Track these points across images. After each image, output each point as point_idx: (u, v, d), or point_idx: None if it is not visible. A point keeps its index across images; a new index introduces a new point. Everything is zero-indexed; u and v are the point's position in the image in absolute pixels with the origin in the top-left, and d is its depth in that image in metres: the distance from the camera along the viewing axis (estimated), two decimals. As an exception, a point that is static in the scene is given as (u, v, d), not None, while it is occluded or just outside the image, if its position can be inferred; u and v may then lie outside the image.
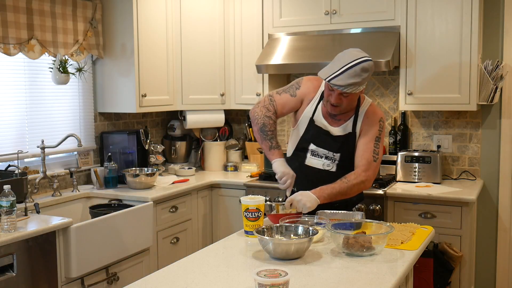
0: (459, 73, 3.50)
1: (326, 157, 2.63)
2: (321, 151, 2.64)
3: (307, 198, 2.41)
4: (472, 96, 3.49)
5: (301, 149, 2.69)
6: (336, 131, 2.62)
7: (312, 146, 2.65)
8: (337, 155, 2.62)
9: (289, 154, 2.77)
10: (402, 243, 2.24)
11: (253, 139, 4.40)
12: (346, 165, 2.62)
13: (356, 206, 3.34)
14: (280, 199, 2.66)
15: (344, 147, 2.61)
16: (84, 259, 2.82)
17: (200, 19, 4.12)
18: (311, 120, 2.65)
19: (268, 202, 2.52)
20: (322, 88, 2.67)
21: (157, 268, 3.27)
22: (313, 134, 2.65)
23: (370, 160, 2.56)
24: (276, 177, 2.58)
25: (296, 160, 2.70)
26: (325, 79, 2.45)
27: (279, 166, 2.56)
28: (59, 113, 3.59)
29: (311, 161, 2.66)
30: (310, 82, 2.71)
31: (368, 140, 2.58)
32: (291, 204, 2.43)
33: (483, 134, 3.82)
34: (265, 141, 2.62)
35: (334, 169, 2.63)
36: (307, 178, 2.64)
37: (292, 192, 2.59)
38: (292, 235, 2.18)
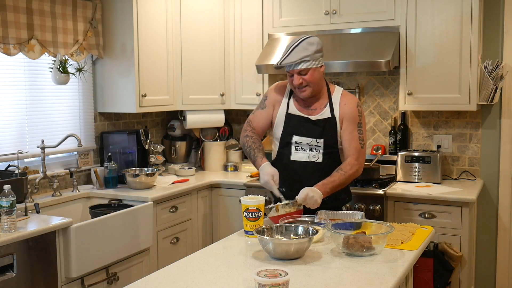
0: (459, 73, 3.50)
1: (310, 148, 2.67)
2: (305, 140, 2.67)
3: (317, 195, 2.47)
4: (472, 96, 3.49)
5: (284, 145, 2.72)
6: (314, 117, 2.68)
7: (295, 138, 2.69)
8: (321, 141, 2.65)
9: (273, 156, 2.80)
10: (402, 243, 2.24)
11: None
12: (331, 152, 2.66)
13: (356, 206, 3.36)
14: (281, 198, 2.65)
15: (327, 132, 2.65)
16: (84, 259, 2.82)
17: (200, 19, 4.12)
18: (287, 114, 2.72)
19: (268, 207, 2.52)
20: (288, 87, 2.77)
21: (157, 268, 3.27)
22: (294, 124, 2.70)
23: (358, 148, 2.65)
24: (261, 182, 2.62)
25: (281, 159, 2.73)
26: (276, 64, 2.61)
27: (261, 175, 2.59)
28: (59, 113, 3.59)
29: (297, 155, 2.69)
30: (275, 87, 2.84)
31: (351, 129, 2.65)
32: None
33: (483, 134, 3.82)
34: (250, 158, 2.72)
35: (320, 159, 2.66)
36: (295, 174, 2.67)
37: (280, 192, 2.57)
38: (292, 235, 2.18)
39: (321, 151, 2.66)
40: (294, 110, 2.72)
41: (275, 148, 2.79)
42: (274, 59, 3.85)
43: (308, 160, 2.67)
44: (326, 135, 2.65)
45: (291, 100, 2.74)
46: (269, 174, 2.56)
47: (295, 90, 2.66)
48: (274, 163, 2.70)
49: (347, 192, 2.79)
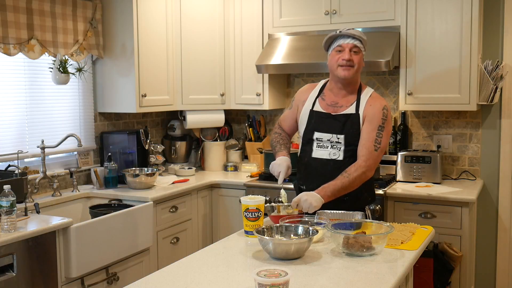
0: (459, 73, 3.50)
1: (332, 146, 2.64)
2: (326, 136, 2.65)
3: (312, 198, 2.42)
4: (472, 96, 3.49)
5: (307, 142, 2.72)
6: (336, 113, 2.67)
7: (316, 134, 2.68)
8: (341, 138, 2.62)
9: (299, 153, 2.81)
10: (402, 243, 2.24)
11: (253, 139, 4.40)
12: (352, 150, 2.61)
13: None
14: (281, 199, 2.65)
15: (347, 128, 2.61)
16: (84, 259, 2.82)
17: (200, 19, 4.12)
18: (311, 111, 2.72)
19: (269, 204, 2.52)
20: (318, 86, 2.77)
21: (157, 268, 3.27)
22: (316, 120, 2.69)
23: (371, 150, 2.56)
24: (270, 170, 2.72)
25: (304, 156, 2.74)
26: (336, 32, 2.63)
27: (273, 162, 2.71)
28: (59, 113, 3.59)
29: (318, 152, 2.68)
30: (303, 88, 2.89)
31: (371, 129, 2.59)
32: (297, 205, 2.44)
33: (483, 134, 3.82)
34: (274, 153, 2.80)
35: (341, 157, 2.63)
36: (316, 171, 2.67)
37: (300, 190, 2.64)
38: (292, 235, 2.18)
39: (342, 148, 2.62)
40: (318, 107, 2.72)
41: (300, 145, 2.81)
42: (274, 59, 3.85)
43: (329, 158, 2.64)
44: (347, 131, 2.61)
45: (318, 99, 2.73)
46: (278, 165, 2.64)
47: (337, 70, 2.63)
48: (298, 161, 2.78)
49: (370, 191, 2.74)
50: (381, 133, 2.59)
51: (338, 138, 2.63)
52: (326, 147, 2.66)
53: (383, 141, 2.59)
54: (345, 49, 2.60)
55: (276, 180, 2.65)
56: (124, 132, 3.86)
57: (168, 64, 4.00)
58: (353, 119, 2.62)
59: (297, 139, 4.26)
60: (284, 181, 2.67)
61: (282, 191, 2.62)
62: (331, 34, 2.64)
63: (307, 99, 2.76)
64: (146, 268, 3.33)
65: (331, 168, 2.61)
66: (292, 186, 3.03)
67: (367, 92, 2.69)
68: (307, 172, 2.71)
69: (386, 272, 1.93)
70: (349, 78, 2.62)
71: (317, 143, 2.68)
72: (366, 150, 2.56)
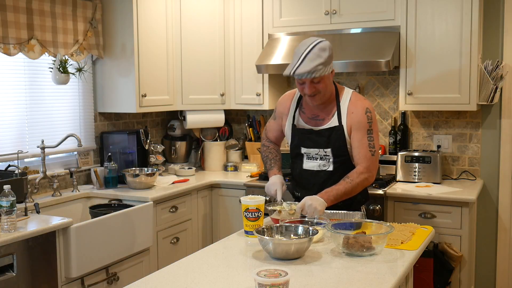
0: (459, 73, 3.50)
1: (321, 158, 2.66)
2: (313, 151, 2.67)
3: (317, 202, 2.43)
4: (472, 96, 3.49)
5: (296, 156, 2.75)
6: (318, 128, 2.65)
7: (303, 150, 2.70)
8: (328, 151, 2.62)
9: (291, 164, 2.83)
10: (402, 243, 2.24)
11: (253, 139, 4.40)
12: (341, 161, 2.63)
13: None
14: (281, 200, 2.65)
15: (332, 141, 2.61)
16: (84, 259, 2.82)
17: (200, 19, 4.12)
18: (293, 126, 2.71)
19: (272, 208, 2.52)
20: (296, 96, 2.75)
21: (157, 268, 3.27)
22: (299, 137, 2.69)
23: (368, 156, 2.57)
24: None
25: (296, 167, 2.77)
26: (289, 74, 2.49)
27: (267, 183, 2.72)
28: (59, 113, 3.59)
29: (308, 164, 2.70)
30: (282, 99, 2.85)
31: (361, 136, 2.58)
32: (302, 210, 2.44)
33: (483, 134, 3.82)
34: (265, 166, 2.84)
35: (331, 168, 2.64)
36: (308, 182, 2.69)
37: (295, 196, 2.71)
38: (292, 235, 2.18)
39: (331, 159, 2.63)
40: (300, 122, 2.70)
41: (291, 156, 2.81)
42: (274, 59, 3.85)
43: (319, 169, 2.66)
44: (332, 144, 2.61)
45: (297, 113, 2.71)
46: (273, 184, 2.65)
47: (305, 97, 2.61)
48: (291, 171, 2.84)
49: (363, 193, 2.73)
50: (371, 137, 2.59)
51: (325, 152, 2.64)
52: (316, 159, 2.68)
53: (375, 144, 2.60)
54: (306, 83, 2.51)
55: (275, 200, 2.64)
56: (124, 132, 3.86)
57: (168, 64, 4.00)
58: (337, 131, 2.60)
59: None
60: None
61: (284, 204, 2.58)
62: (284, 73, 2.52)
63: (288, 112, 2.74)
64: (146, 268, 3.33)
65: (323, 179, 2.65)
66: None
67: (346, 97, 2.63)
68: (301, 182, 2.75)
69: (386, 272, 1.93)
70: (320, 103, 2.60)
71: (306, 155, 2.70)
72: (364, 157, 2.57)
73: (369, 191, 3.38)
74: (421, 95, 3.62)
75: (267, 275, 1.64)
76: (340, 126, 2.60)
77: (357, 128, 2.58)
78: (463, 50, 3.48)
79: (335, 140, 2.61)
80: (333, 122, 2.62)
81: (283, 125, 2.79)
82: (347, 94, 2.65)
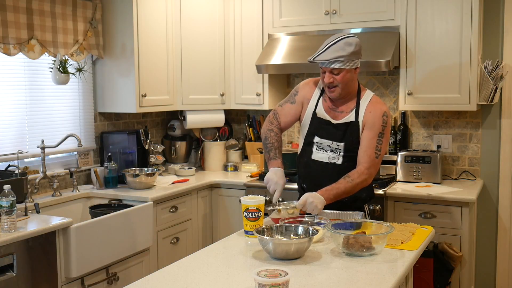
0: (459, 73, 3.50)
1: (331, 150, 2.66)
2: (325, 142, 2.66)
3: (318, 200, 2.43)
4: (472, 96, 3.49)
5: (307, 144, 2.73)
6: (337, 121, 2.65)
7: (316, 139, 2.69)
8: (341, 145, 2.63)
9: (299, 151, 2.81)
10: (402, 243, 2.24)
11: (253, 139, 4.41)
12: (351, 156, 2.63)
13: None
14: (280, 200, 2.65)
15: (347, 136, 2.62)
16: (84, 259, 2.82)
17: (200, 19, 4.12)
18: (314, 114, 2.70)
19: (272, 208, 2.52)
20: (320, 85, 2.74)
21: (157, 268, 3.27)
22: (316, 126, 2.69)
23: (372, 157, 2.58)
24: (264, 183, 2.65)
25: (304, 155, 2.75)
26: (309, 59, 2.55)
27: (269, 174, 2.62)
28: (59, 113, 3.59)
29: (317, 155, 2.69)
30: (307, 84, 2.80)
31: (371, 136, 2.59)
32: (302, 206, 2.45)
33: (483, 134, 3.82)
34: (266, 153, 2.73)
35: (340, 162, 2.65)
36: (315, 172, 2.69)
37: (302, 188, 2.70)
38: (292, 235, 2.18)
39: (342, 153, 2.64)
40: (321, 110, 2.69)
41: (300, 144, 2.80)
42: (274, 59, 3.85)
43: (328, 161, 2.67)
44: (347, 139, 2.63)
45: (321, 100, 2.71)
46: (275, 184, 2.56)
47: (325, 88, 2.64)
48: (298, 158, 2.79)
49: (369, 191, 2.74)
50: (381, 140, 2.60)
51: (338, 146, 2.65)
52: (326, 151, 2.68)
53: (383, 147, 2.61)
54: (326, 72, 2.57)
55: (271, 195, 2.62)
56: (124, 132, 3.86)
57: (168, 64, 4.00)
58: (353, 127, 2.63)
59: (297, 138, 4.27)
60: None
61: (281, 206, 2.56)
62: (308, 59, 2.59)
63: (311, 98, 2.73)
64: (146, 268, 3.33)
65: (330, 171, 2.64)
66: (292, 186, 3.04)
67: (366, 97, 2.67)
68: (306, 172, 2.74)
69: (386, 272, 1.93)
70: (337, 97, 2.62)
71: (317, 146, 2.70)
72: (368, 157, 2.58)
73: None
74: (421, 95, 3.62)
75: (267, 275, 1.64)
76: (356, 122, 2.62)
77: (370, 127, 2.60)
78: (463, 50, 3.48)
79: (349, 135, 2.63)
80: (350, 117, 2.64)
81: (303, 110, 2.75)
82: (368, 95, 2.68)
